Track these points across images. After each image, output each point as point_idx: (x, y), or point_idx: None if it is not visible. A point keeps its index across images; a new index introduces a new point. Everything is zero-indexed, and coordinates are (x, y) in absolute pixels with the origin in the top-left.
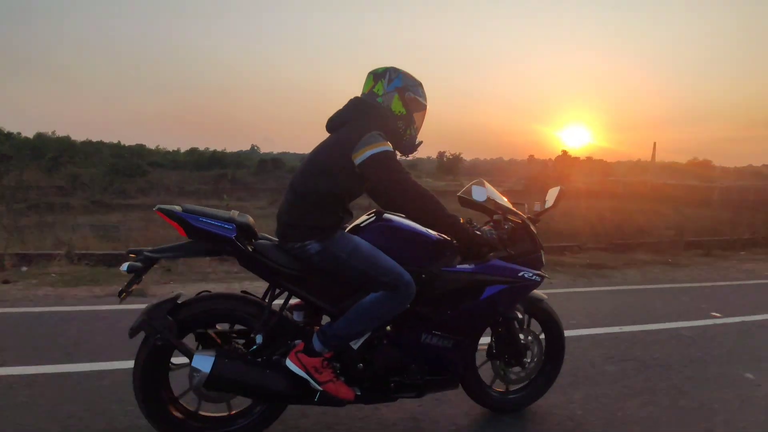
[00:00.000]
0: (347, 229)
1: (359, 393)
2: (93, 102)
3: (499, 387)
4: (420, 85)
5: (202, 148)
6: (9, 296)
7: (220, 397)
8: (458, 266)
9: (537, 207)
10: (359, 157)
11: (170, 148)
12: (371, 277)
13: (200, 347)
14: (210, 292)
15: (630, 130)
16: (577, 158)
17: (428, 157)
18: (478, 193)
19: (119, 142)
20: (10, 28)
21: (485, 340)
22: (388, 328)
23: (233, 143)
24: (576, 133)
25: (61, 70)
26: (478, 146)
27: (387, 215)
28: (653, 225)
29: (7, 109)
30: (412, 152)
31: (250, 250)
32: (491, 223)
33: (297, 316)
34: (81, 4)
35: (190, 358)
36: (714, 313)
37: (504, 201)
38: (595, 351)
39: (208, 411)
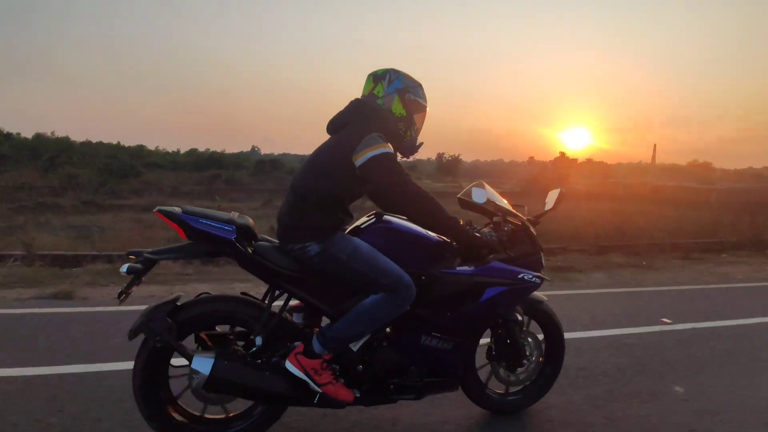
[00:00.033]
0: (347, 230)
1: (359, 395)
2: (95, 103)
3: (498, 389)
4: (420, 86)
5: (202, 149)
6: None
7: (219, 399)
8: (458, 268)
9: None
10: (359, 159)
11: (170, 149)
12: (371, 279)
13: (200, 349)
14: (210, 293)
15: (631, 132)
16: (575, 160)
17: (428, 159)
18: (478, 195)
19: (119, 142)
20: (11, 28)
21: (485, 341)
22: (388, 329)
23: (234, 144)
24: (577, 134)
25: (61, 70)
26: (479, 148)
27: (387, 217)
28: (643, 227)
29: (7, 110)
30: (412, 154)
31: (250, 251)
32: (491, 225)
33: (297, 318)
34: (83, 5)
35: (190, 360)
36: (664, 319)
37: (504, 203)
38: None
39: (208, 413)
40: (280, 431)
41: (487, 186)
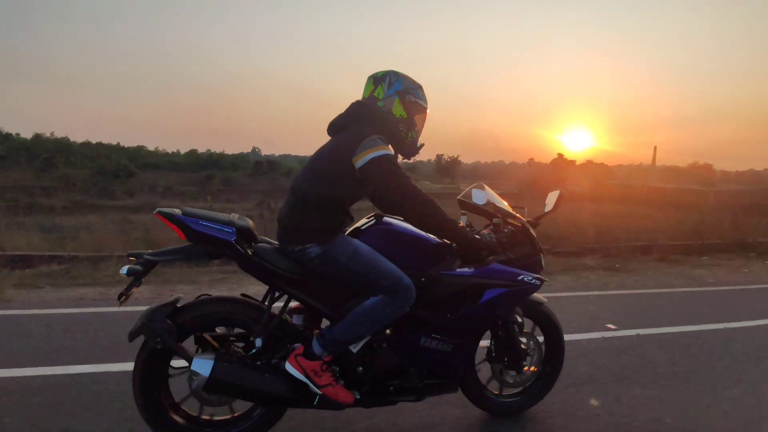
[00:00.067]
0: (347, 232)
1: (358, 396)
2: (97, 104)
3: (498, 390)
4: (420, 88)
5: (202, 150)
6: None
7: (219, 400)
8: (458, 270)
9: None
10: (360, 161)
11: (170, 150)
12: (371, 281)
13: (200, 351)
14: (209, 295)
15: (633, 133)
16: (572, 161)
17: (428, 161)
18: (478, 197)
19: (119, 143)
20: (12, 28)
21: (485, 343)
22: (388, 331)
23: (236, 146)
24: (578, 136)
25: (63, 71)
26: (480, 149)
27: (387, 218)
28: (629, 228)
29: (7, 110)
30: (413, 155)
31: (250, 253)
32: (491, 227)
33: (296, 320)
34: (85, 5)
35: (190, 361)
36: (609, 325)
37: (504, 204)
38: None
39: (208, 414)
40: None
41: (487, 187)
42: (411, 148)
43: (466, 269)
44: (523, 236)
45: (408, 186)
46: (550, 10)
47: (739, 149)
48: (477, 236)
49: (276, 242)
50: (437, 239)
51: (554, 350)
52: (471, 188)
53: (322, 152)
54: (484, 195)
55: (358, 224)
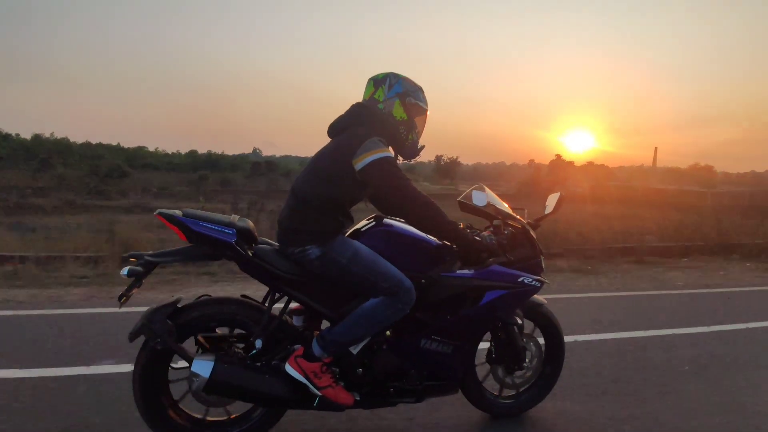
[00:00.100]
0: (347, 233)
1: (358, 398)
2: (99, 105)
3: (498, 391)
4: (420, 89)
5: (203, 150)
6: None
7: (219, 401)
8: (458, 272)
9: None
10: (360, 163)
11: (170, 151)
12: (371, 283)
13: (200, 351)
14: (210, 296)
15: (635, 134)
16: (571, 162)
17: (429, 162)
18: (479, 198)
19: (119, 144)
20: (12, 29)
21: (485, 344)
22: (388, 333)
23: (238, 147)
24: (579, 137)
25: (64, 72)
26: (481, 150)
27: (387, 220)
28: (615, 230)
29: (7, 111)
30: (414, 157)
31: (250, 254)
32: (491, 229)
33: (297, 321)
34: (86, 5)
35: (190, 362)
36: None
37: (504, 206)
38: None
39: (208, 415)
40: None
41: (487, 189)
42: (411, 149)
43: (466, 271)
44: (523, 238)
45: (408, 188)
46: (551, 10)
47: (740, 150)
48: (477, 238)
49: (276, 244)
50: (437, 241)
51: (554, 352)
52: (471, 190)
53: (322, 153)
54: (484, 197)
55: (358, 226)
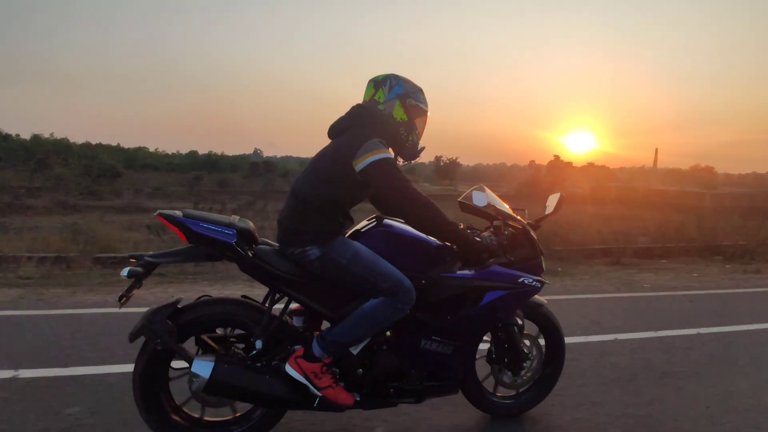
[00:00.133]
0: (347, 234)
1: (358, 398)
2: (99, 105)
3: (498, 392)
4: (421, 91)
5: (204, 151)
6: None
7: (219, 401)
8: (458, 272)
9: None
10: (360, 164)
11: (171, 151)
12: (371, 283)
13: (200, 352)
14: (210, 296)
15: (637, 135)
16: (569, 163)
17: (429, 162)
18: (479, 199)
19: (119, 144)
20: (12, 28)
21: (485, 345)
22: (388, 333)
23: (239, 147)
24: (580, 138)
25: (64, 72)
26: (482, 151)
27: (387, 221)
28: (606, 231)
29: (7, 111)
30: (414, 158)
31: (250, 255)
32: (491, 229)
33: (297, 321)
34: (89, 6)
35: (190, 363)
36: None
37: (505, 207)
38: None
39: (208, 415)
40: None
41: (487, 189)
42: (412, 151)
43: (466, 271)
44: (523, 238)
45: (408, 189)
46: (551, 10)
47: (741, 152)
48: (477, 239)
49: (276, 244)
50: (437, 241)
51: (555, 352)
52: (471, 190)
53: (323, 154)
54: (484, 197)
55: (358, 226)
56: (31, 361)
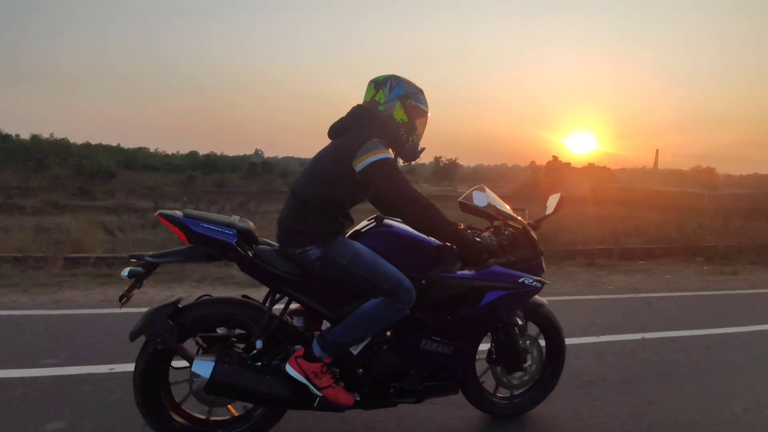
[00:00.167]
0: (348, 234)
1: (359, 398)
2: (100, 106)
3: (499, 392)
4: (421, 92)
5: (205, 152)
6: None
7: (220, 401)
8: (458, 272)
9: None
10: (360, 165)
11: (171, 152)
12: (371, 283)
13: (200, 351)
14: (211, 296)
15: (638, 136)
16: (568, 164)
17: (429, 162)
18: (479, 199)
19: (119, 144)
20: (13, 29)
21: (485, 345)
22: (388, 333)
23: (240, 148)
24: (582, 139)
25: (64, 72)
26: (482, 152)
27: (387, 221)
28: (592, 232)
29: (8, 111)
30: (414, 159)
31: (251, 255)
32: (491, 229)
33: (297, 321)
34: (90, 6)
35: (191, 362)
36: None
37: (505, 207)
38: None
39: (209, 415)
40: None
41: (488, 190)
42: (412, 152)
43: (466, 272)
44: (523, 239)
45: (408, 189)
46: (552, 10)
47: (743, 152)
48: (477, 239)
49: (276, 244)
50: (438, 242)
51: (555, 353)
52: (472, 190)
53: (323, 155)
54: (485, 197)
55: (358, 226)
56: None
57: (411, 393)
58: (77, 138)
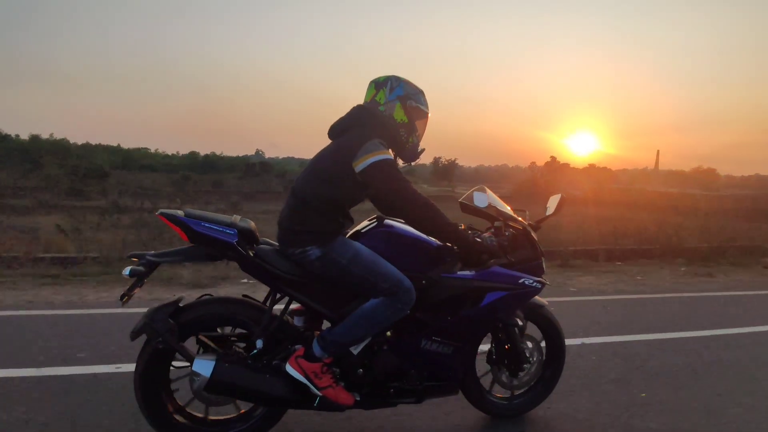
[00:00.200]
0: (348, 234)
1: (359, 398)
2: (101, 106)
3: (499, 393)
4: (421, 93)
5: (205, 152)
6: None
7: (220, 400)
8: (458, 273)
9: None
10: (360, 165)
11: (172, 152)
12: (371, 283)
13: (201, 351)
14: (211, 295)
15: (639, 137)
16: (566, 164)
17: (429, 164)
18: (480, 199)
19: (119, 144)
20: (13, 29)
21: (486, 345)
22: (389, 333)
23: (240, 148)
24: (582, 140)
25: (65, 72)
26: (483, 152)
27: (388, 221)
28: (577, 233)
29: (8, 111)
30: (414, 160)
31: (251, 255)
32: (492, 230)
33: (297, 321)
34: (90, 6)
35: (191, 362)
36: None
37: (506, 208)
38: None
39: (209, 414)
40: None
41: (488, 190)
42: (412, 152)
43: (466, 272)
44: (524, 239)
45: (408, 190)
46: (552, 10)
47: (744, 153)
48: (478, 239)
49: (277, 244)
50: (438, 242)
51: (555, 353)
52: (472, 191)
53: (322, 155)
54: (485, 198)
55: (358, 227)
56: None
57: (411, 393)
58: (77, 138)
